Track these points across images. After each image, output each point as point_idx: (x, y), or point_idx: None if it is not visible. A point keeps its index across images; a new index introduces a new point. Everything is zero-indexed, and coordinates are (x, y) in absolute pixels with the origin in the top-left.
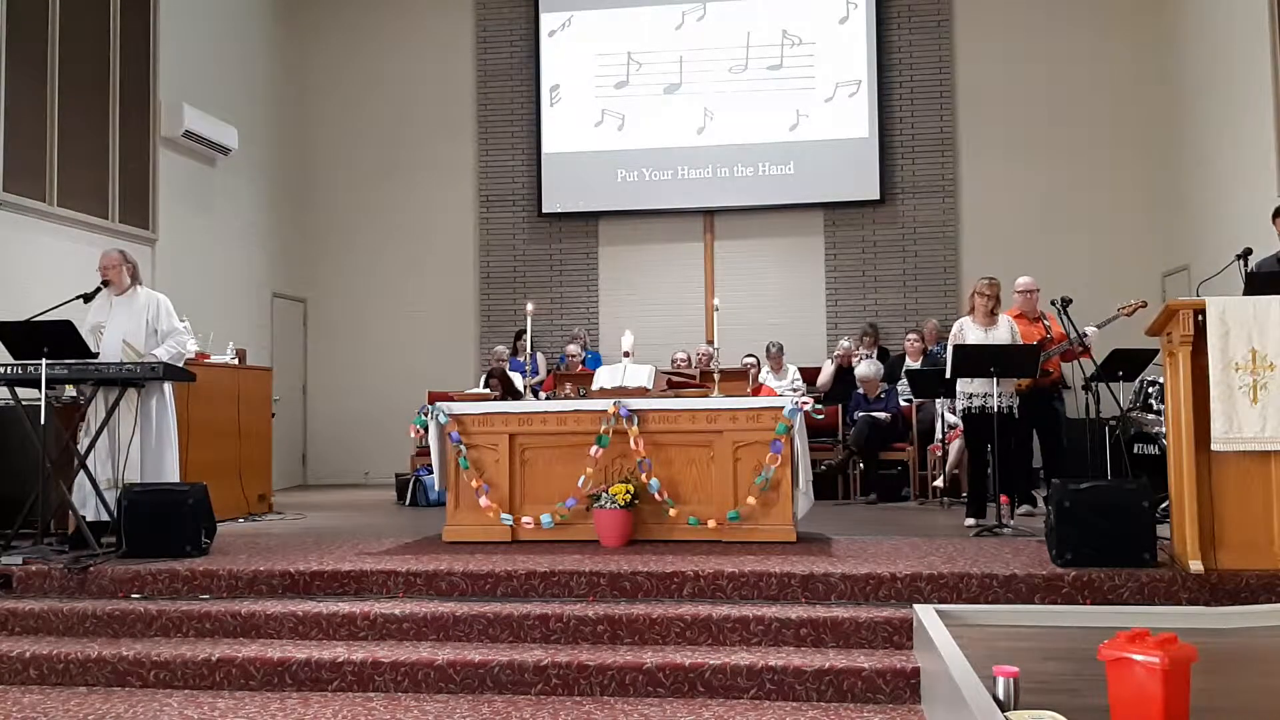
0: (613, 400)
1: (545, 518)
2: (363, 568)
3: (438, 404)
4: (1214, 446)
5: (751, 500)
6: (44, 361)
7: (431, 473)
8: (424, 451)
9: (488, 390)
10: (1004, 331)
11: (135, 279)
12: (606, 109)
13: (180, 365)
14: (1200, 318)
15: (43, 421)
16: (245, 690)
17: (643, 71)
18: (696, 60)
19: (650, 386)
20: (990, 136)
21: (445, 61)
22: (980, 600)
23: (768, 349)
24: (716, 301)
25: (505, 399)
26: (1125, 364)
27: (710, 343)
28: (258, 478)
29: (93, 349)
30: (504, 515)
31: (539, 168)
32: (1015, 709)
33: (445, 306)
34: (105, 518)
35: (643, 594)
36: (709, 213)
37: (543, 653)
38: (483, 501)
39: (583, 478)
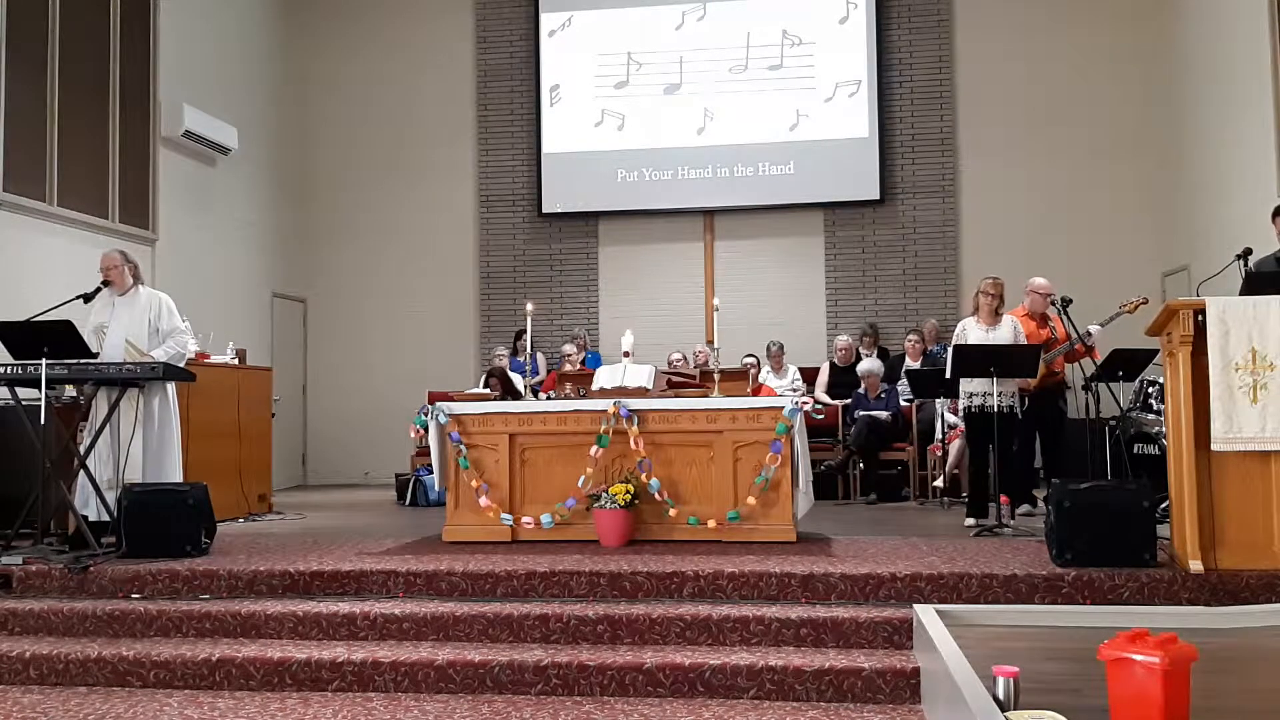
0: (613, 400)
1: (545, 518)
2: (363, 568)
3: (438, 404)
4: (1214, 446)
5: (751, 500)
6: (44, 361)
7: (431, 473)
8: (424, 451)
9: (488, 390)
10: (1006, 331)
11: (137, 279)
12: (606, 109)
13: (181, 365)
14: (1200, 318)
15: (43, 421)
16: (245, 690)
17: (643, 72)
18: (696, 60)
19: (650, 386)
20: (990, 136)
21: (445, 61)
22: (980, 600)
23: (768, 348)
24: (716, 301)
25: (505, 399)
26: (1125, 364)
27: (710, 343)
28: (258, 478)
29: (95, 349)
30: (504, 515)
31: (539, 168)
32: (1015, 709)
33: (445, 306)
34: (105, 518)
35: (643, 594)
36: (709, 213)
37: (543, 653)
38: (483, 501)
39: (583, 478)
